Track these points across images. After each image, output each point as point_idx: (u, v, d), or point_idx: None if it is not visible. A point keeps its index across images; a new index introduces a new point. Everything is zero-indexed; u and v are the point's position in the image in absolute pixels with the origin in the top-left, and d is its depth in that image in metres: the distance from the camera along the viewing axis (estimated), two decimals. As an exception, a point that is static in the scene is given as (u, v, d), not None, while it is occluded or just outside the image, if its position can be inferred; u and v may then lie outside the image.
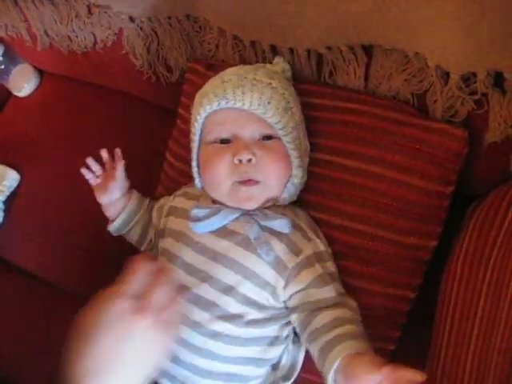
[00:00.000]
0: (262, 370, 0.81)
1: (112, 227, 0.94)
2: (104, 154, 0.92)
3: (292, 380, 0.83)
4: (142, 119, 1.24)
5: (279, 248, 0.77)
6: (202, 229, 0.79)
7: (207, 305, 0.77)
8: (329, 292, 0.75)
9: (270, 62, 0.92)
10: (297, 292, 0.76)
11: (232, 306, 0.76)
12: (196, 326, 0.77)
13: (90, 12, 1.12)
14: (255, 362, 0.79)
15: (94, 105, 1.33)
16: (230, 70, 0.84)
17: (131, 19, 1.06)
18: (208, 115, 0.80)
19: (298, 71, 0.92)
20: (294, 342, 0.84)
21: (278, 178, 0.78)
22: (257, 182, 0.77)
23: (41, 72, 1.43)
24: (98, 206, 1.17)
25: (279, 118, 0.77)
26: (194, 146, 0.84)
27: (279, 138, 0.78)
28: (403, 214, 0.81)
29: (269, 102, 0.76)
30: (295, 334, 0.83)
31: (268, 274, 0.76)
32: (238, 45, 0.96)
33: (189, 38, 1.03)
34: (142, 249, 0.97)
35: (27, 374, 1.04)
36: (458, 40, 0.71)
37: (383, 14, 0.75)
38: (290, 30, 0.87)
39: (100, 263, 1.15)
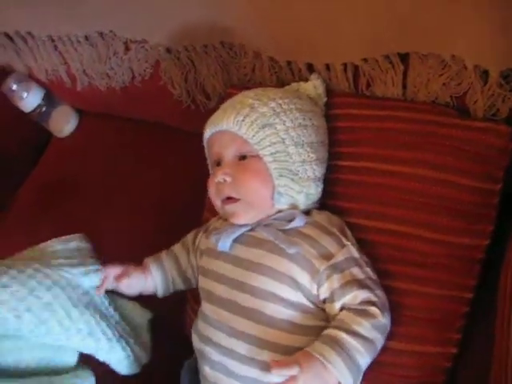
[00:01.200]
0: None
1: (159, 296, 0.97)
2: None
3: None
4: (182, 149, 1.28)
5: (310, 252, 0.79)
6: (221, 247, 0.84)
7: (253, 314, 0.79)
8: (352, 300, 0.77)
9: (307, 80, 0.96)
10: (326, 299, 0.79)
11: (277, 311, 0.78)
12: (246, 336, 0.79)
13: (127, 48, 1.17)
14: None
15: (134, 140, 1.38)
16: (235, 96, 0.90)
17: (168, 50, 1.10)
18: (207, 141, 0.90)
19: (336, 86, 0.95)
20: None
21: (254, 191, 0.83)
22: (237, 200, 0.83)
23: (79, 112, 1.48)
24: (140, 240, 1.21)
25: (253, 133, 0.82)
26: (210, 169, 0.92)
27: (257, 155, 0.82)
28: (452, 213, 0.81)
29: (243, 120, 0.82)
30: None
31: (303, 278, 0.79)
32: (274, 66, 1.00)
33: (225, 64, 1.06)
34: (195, 286, 0.98)
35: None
36: (494, 37, 0.73)
37: (418, 20, 0.78)
38: (325, 46, 0.90)
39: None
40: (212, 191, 0.87)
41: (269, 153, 0.82)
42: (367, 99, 0.92)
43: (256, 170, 0.83)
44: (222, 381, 0.82)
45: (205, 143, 0.90)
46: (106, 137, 1.43)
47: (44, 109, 1.43)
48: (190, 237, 0.98)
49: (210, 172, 0.91)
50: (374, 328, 0.75)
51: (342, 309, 0.78)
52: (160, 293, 0.96)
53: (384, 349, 0.81)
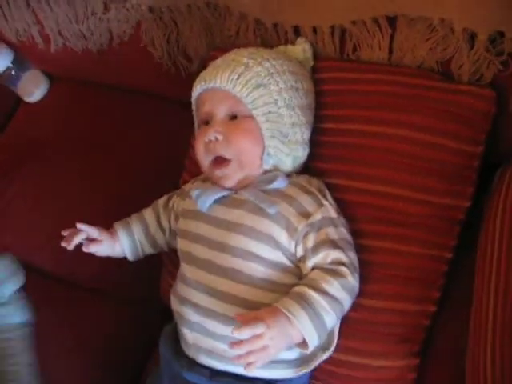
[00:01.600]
0: None
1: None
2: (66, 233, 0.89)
3: (331, 350, 0.83)
4: (159, 115, 1.26)
5: (288, 211, 0.80)
6: (201, 206, 0.84)
7: (232, 273, 0.80)
8: (323, 259, 0.78)
9: (292, 44, 0.96)
10: (301, 257, 0.80)
11: (257, 270, 0.79)
12: (224, 295, 0.80)
13: (106, 8, 1.14)
14: None
15: (107, 106, 1.35)
16: (227, 54, 0.89)
17: (150, 10, 1.08)
18: (196, 98, 0.88)
19: (321, 49, 0.95)
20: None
21: (246, 151, 0.83)
22: (228, 161, 0.82)
23: (50, 77, 1.44)
24: (113, 207, 1.19)
25: (247, 93, 0.81)
26: (196, 127, 0.90)
27: (250, 114, 0.82)
28: (435, 174, 0.83)
29: (238, 78, 0.81)
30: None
31: (282, 236, 0.79)
32: (259, 29, 0.99)
33: (209, 25, 1.05)
34: (166, 250, 0.99)
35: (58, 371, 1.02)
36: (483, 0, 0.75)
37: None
38: (313, 8, 0.90)
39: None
40: (200, 150, 0.85)
41: (262, 113, 0.82)
42: (353, 63, 0.93)
43: (248, 129, 0.83)
44: (202, 342, 0.82)
45: (193, 100, 0.89)
46: (79, 103, 1.40)
47: (13, 72, 1.38)
48: (161, 201, 0.97)
49: (196, 131, 0.90)
50: (342, 287, 0.76)
51: (313, 268, 0.78)
52: (129, 257, 0.95)
53: (365, 307, 0.83)
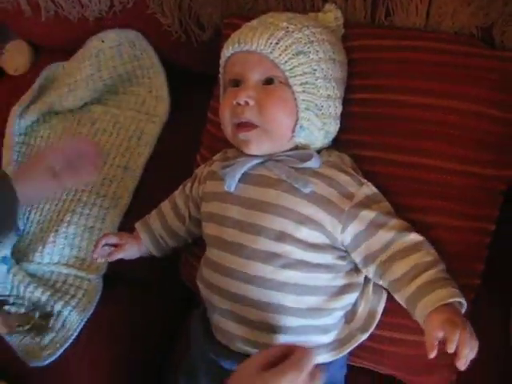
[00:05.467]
0: (334, 321, 0.80)
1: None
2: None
3: (370, 331, 0.81)
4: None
5: (328, 192, 0.77)
6: (229, 184, 0.79)
7: (268, 257, 0.76)
8: (389, 231, 0.75)
9: (318, 10, 0.91)
10: (357, 234, 0.76)
11: (294, 252, 0.76)
12: (259, 280, 0.76)
13: (108, -30, 1.06)
14: (325, 312, 0.78)
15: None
16: (263, 16, 0.84)
17: (163, -28, 1.01)
18: (226, 59, 0.82)
19: (351, 15, 0.90)
20: (374, 291, 0.81)
21: (277, 120, 0.78)
22: (255, 127, 0.78)
23: (36, 47, 1.34)
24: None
25: (286, 59, 0.77)
26: (221, 90, 0.86)
27: (286, 82, 0.78)
28: (478, 144, 0.80)
29: (277, 43, 0.76)
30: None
31: (323, 217, 0.76)
32: (283, -7, 0.93)
33: (225, -10, 0.99)
34: (189, 241, 0.96)
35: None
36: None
37: None
38: (347, -30, 0.85)
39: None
40: (226, 113, 0.80)
41: (299, 82, 0.77)
42: (386, 29, 0.89)
43: (283, 97, 0.78)
44: (236, 329, 0.79)
45: (222, 61, 0.83)
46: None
47: (-5, 43, 1.29)
48: (177, 191, 0.95)
49: (221, 93, 0.85)
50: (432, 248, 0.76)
51: (387, 244, 0.75)
52: (156, 253, 0.95)
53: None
